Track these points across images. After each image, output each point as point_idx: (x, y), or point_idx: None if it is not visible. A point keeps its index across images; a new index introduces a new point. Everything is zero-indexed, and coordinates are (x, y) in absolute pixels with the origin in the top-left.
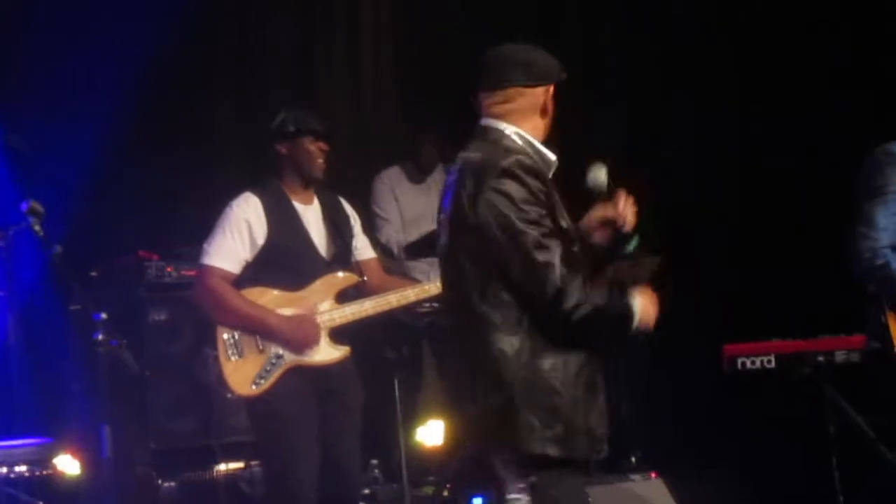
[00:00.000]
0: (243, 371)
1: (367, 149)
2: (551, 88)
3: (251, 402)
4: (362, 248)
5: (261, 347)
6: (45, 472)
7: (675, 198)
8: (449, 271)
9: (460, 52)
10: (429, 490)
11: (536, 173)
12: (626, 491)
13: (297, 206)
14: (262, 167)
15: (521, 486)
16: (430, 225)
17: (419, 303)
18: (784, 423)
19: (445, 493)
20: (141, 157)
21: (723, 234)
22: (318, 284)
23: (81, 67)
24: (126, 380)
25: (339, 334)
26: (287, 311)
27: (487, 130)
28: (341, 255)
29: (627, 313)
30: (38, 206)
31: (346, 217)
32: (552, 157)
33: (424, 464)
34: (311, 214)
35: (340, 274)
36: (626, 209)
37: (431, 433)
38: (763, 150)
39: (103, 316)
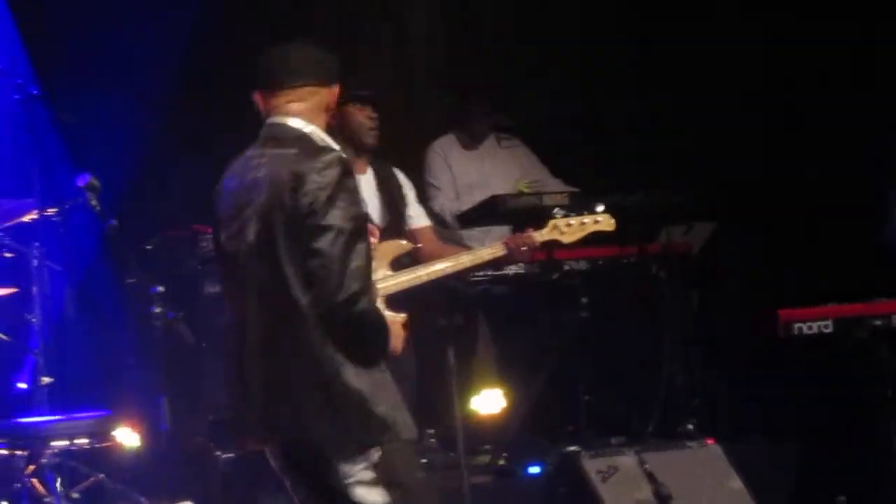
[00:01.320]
0: None
1: (418, 117)
2: (336, 89)
3: None
4: (416, 217)
5: None
6: (104, 445)
7: (728, 164)
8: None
9: (507, 18)
10: (485, 458)
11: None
12: (682, 457)
13: None
14: None
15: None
16: (483, 193)
17: (473, 270)
18: (841, 388)
19: (501, 462)
20: (195, 130)
21: (779, 198)
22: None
23: (135, 39)
24: (182, 352)
25: (394, 302)
26: None
27: (281, 128)
28: (395, 223)
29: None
30: (95, 182)
31: (400, 185)
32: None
33: (480, 432)
34: (364, 183)
35: (394, 242)
36: None
37: (487, 402)
38: (819, 113)
39: (159, 289)
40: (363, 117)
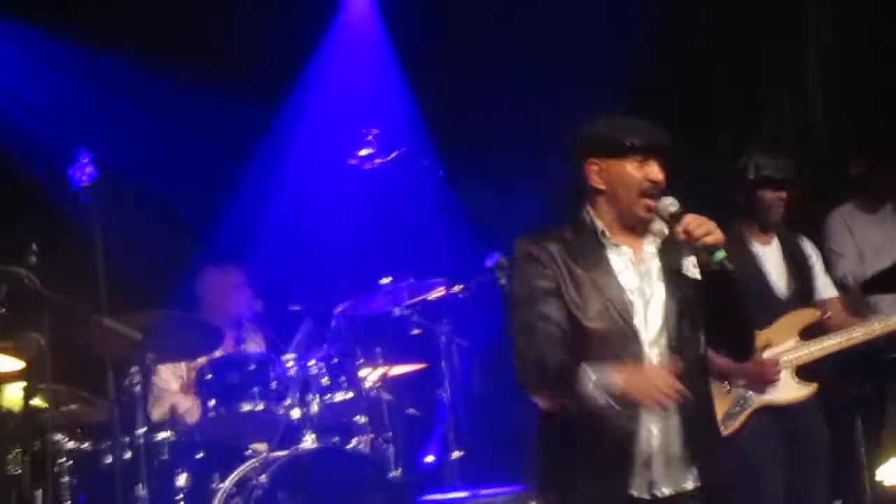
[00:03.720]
0: None
1: (820, 182)
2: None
3: None
4: (823, 287)
5: (727, 388)
6: None
7: None
8: None
9: None
10: None
11: None
12: None
13: (756, 246)
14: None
15: None
16: (888, 258)
17: (884, 338)
18: None
19: None
20: None
21: None
22: (782, 322)
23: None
24: None
25: (806, 372)
26: None
27: None
28: (802, 292)
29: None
30: (504, 261)
31: (806, 255)
32: None
33: (886, 503)
34: (770, 254)
35: (803, 311)
36: (693, 226)
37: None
38: None
39: None
40: (773, 198)
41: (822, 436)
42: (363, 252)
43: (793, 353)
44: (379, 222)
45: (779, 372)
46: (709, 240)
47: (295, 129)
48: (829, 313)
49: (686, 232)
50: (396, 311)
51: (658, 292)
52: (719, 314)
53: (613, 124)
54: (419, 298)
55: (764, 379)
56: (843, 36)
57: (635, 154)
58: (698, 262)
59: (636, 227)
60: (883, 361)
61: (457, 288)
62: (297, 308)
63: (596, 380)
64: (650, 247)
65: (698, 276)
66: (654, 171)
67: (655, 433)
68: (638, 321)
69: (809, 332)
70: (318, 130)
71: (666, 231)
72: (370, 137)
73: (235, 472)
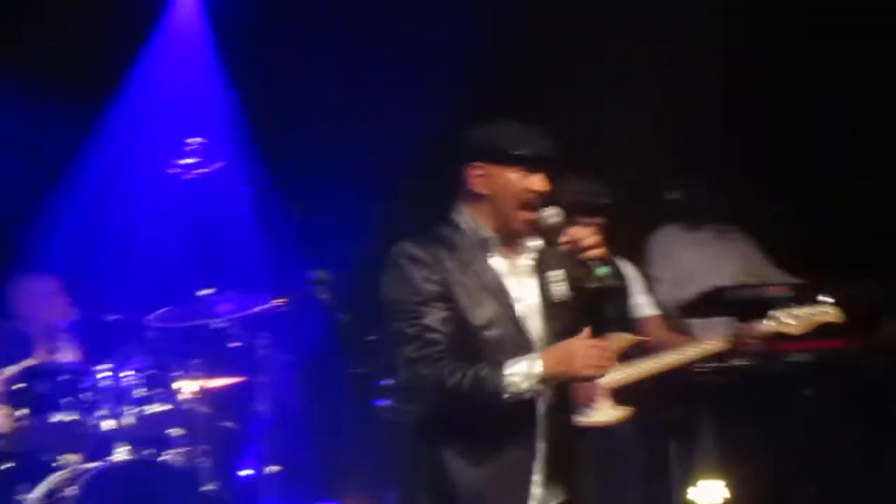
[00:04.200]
0: None
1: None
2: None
3: None
4: (642, 306)
5: None
6: None
7: None
8: None
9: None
10: None
11: None
12: None
13: None
14: None
15: None
16: (707, 282)
17: (697, 362)
18: None
19: None
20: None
21: None
22: None
23: (365, 128)
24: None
25: (622, 395)
26: None
27: None
28: (621, 314)
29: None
30: (326, 276)
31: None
32: None
33: None
34: None
35: (621, 335)
36: (578, 237)
37: (707, 493)
38: None
39: (386, 382)
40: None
41: (637, 457)
42: (184, 263)
43: (609, 375)
44: (200, 233)
45: (596, 395)
46: (593, 254)
47: (115, 136)
48: (648, 335)
49: (571, 242)
50: (215, 323)
51: (537, 304)
52: (592, 332)
53: (503, 132)
54: (240, 312)
55: (581, 401)
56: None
57: (522, 164)
58: (576, 277)
59: (514, 238)
60: (696, 386)
61: (278, 301)
62: (114, 318)
63: (514, 370)
64: (527, 259)
65: (567, 292)
66: (538, 181)
67: (542, 448)
68: (530, 329)
69: (627, 356)
70: (140, 137)
71: (542, 244)
72: (193, 147)
73: (44, 483)
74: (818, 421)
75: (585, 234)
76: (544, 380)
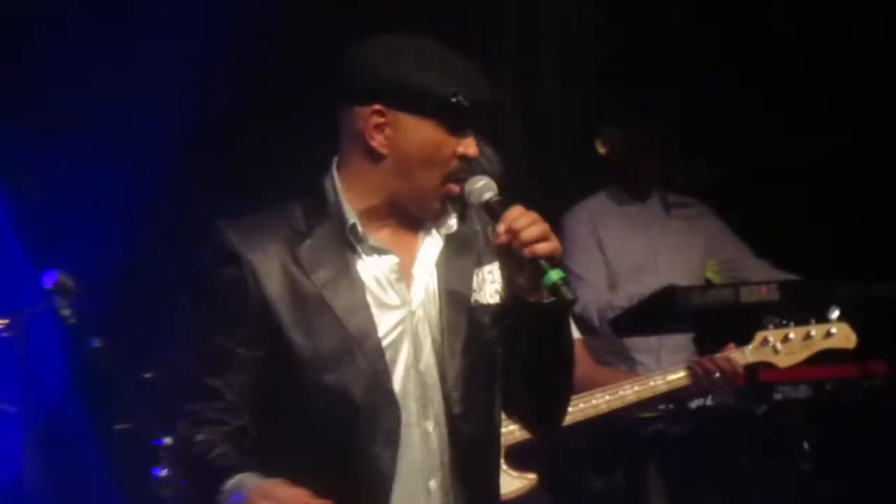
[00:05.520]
0: None
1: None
2: None
3: None
4: None
5: None
6: None
7: None
8: None
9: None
10: None
11: None
12: None
13: None
14: None
15: None
16: (652, 276)
17: (642, 405)
18: None
19: None
20: (202, 214)
21: None
22: None
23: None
24: None
25: (521, 456)
26: None
27: None
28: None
29: None
30: (68, 281)
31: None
32: None
33: None
34: None
35: None
36: (521, 225)
37: None
38: None
39: (167, 441)
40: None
41: None
42: None
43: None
44: None
45: None
46: (541, 249)
47: None
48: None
49: (510, 232)
50: None
51: (434, 326)
52: (533, 364)
53: (426, 62)
54: None
55: None
56: None
57: (452, 115)
58: (511, 281)
59: (414, 222)
60: (641, 438)
61: (1, 323)
62: None
63: (226, 490)
64: (429, 250)
65: (497, 302)
66: (470, 144)
67: None
68: (400, 374)
69: None
70: None
71: (455, 227)
72: None
73: None
74: (819, 485)
75: (533, 219)
76: None
